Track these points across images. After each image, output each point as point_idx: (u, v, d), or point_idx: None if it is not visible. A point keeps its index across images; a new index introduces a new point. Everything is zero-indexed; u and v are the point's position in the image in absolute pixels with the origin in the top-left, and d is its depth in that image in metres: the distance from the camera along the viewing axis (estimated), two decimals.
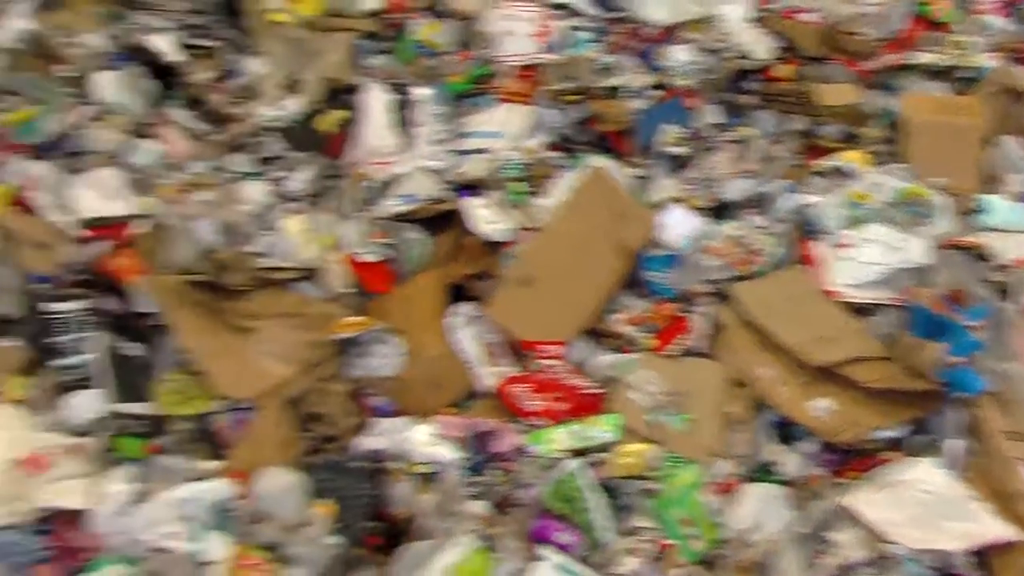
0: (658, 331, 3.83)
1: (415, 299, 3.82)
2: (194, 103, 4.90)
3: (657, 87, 4.59)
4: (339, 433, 3.54)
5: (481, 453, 3.44)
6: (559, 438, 3.49)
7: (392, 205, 4.13)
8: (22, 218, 3.93)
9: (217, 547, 3.15)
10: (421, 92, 4.60)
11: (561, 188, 4.18)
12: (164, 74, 5.01)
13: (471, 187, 4.24)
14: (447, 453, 3.40)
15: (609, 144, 4.46)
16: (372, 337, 3.69)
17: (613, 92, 4.57)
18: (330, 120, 4.59)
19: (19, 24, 5.07)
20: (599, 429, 3.54)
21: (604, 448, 3.51)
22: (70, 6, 5.31)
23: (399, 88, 4.67)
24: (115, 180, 4.18)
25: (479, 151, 4.37)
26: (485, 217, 4.04)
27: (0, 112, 4.37)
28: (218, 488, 3.26)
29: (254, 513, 3.26)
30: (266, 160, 4.53)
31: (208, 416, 3.58)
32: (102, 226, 3.95)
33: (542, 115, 4.55)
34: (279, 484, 3.29)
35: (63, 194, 4.09)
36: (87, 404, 3.49)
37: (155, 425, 3.58)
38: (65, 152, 4.34)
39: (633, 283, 3.98)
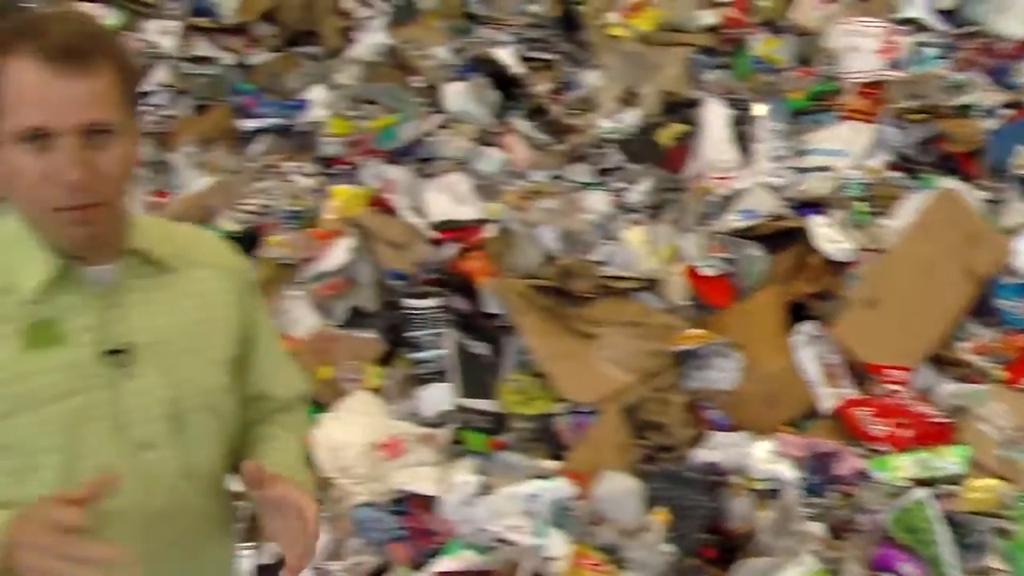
0: (1009, 362, 3.63)
1: (755, 315, 3.80)
2: (535, 114, 5.10)
3: (1010, 105, 4.38)
4: (675, 443, 3.56)
5: (820, 474, 3.37)
6: (904, 466, 3.37)
7: (732, 220, 4.12)
8: (380, 218, 4.18)
9: (558, 544, 3.23)
10: (760, 108, 4.57)
11: (907, 209, 4.04)
12: (507, 85, 5.24)
13: (813, 205, 4.17)
14: (786, 471, 3.34)
15: (956, 165, 4.27)
16: (712, 350, 3.69)
17: (963, 111, 4.39)
18: (668, 133, 4.64)
19: (376, 38, 5.45)
20: (947, 460, 3.38)
21: (952, 480, 3.35)
22: (420, 21, 5.65)
23: (737, 103, 4.67)
24: (464, 185, 4.40)
25: (821, 169, 4.30)
26: (828, 236, 3.96)
27: (361, 119, 4.66)
28: (559, 487, 3.35)
29: (593, 514, 3.33)
30: (605, 171, 4.64)
31: (549, 417, 3.68)
32: (452, 228, 4.15)
33: (884, 133, 4.43)
34: (618, 488, 3.34)
35: (417, 197, 4.34)
36: (438, 397, 3.68)
37: (498, 422, 3.72)
38: (418, 158, 4.61)
39: (982, 311, 3.79)
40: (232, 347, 1.57)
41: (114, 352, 1.42)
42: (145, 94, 4.83)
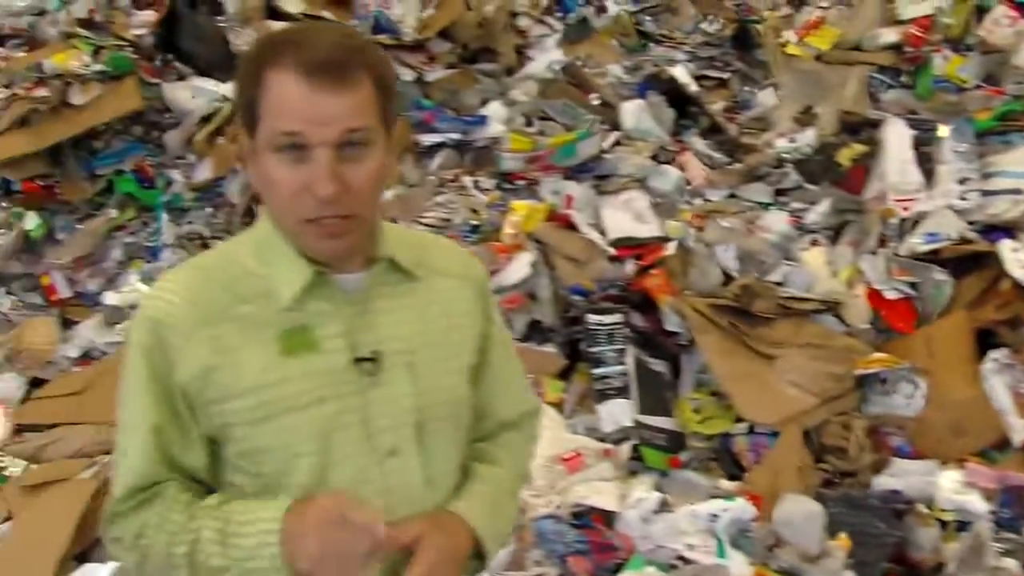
0: None
1: (941, 341, 3.73)
2: (711, 132, 5.11)
3: None
4: (857, 468, 3.52)
5: (1014, 508, 3.29)
6: None
7: (916, 243, 4.06)
8: (559, 233, 4.24)
9: (738, 565, 3.23)
10: (944, 128, 4.47)
11: None
12: (683, 103, 5.26)
13: (1001, 229, 4.07)
14: (976, 503, 3.28)
15: None
16: (895, 375, 3.64)
17: None
18: (847, 154, 4.59)
19: (551, 56, 5.54)
20: None
21: None
22: (595, 39, 5.73)
23: (919, 123, 4.59)
24: (642, 203, 4.43)
25: (1010, 192, 4.19)
26: (1020, 261, 3.86)
27: (539, 135, 4.75)
28: (740, 508, 3.35)
29: (773, 537, 3.32)
30: (783, 191, 4.62)
31: (728, 436, 3.68)
32: (631, 246, 4.19)
33: None
34: (799, 511, 3.32)
35: (595, 213, 4.39)
36: (618, 413, 3.72)
37: (677, 440, 3.74)
38: (596, 174, 4.66)
39: None
40: (472, 356, 1.58)
41: (363, 359, 1.43)
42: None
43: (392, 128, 1.41)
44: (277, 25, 5.16)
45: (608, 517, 3.40)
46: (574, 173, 4.67)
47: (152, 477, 1.42)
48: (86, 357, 4.37)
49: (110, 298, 4.50)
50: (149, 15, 4.94)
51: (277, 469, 1.41)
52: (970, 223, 4.14)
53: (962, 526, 3.28)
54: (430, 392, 1.48)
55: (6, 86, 4.75)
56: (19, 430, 3.77)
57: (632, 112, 4.97)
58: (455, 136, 4.91)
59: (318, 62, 1.30)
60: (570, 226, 4.26)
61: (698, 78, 5.58)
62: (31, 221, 4.72)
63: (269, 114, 1.32)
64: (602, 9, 5.96)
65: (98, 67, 4.67)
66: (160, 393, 1.40)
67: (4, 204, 4.76)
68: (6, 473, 3.41)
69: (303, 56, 1.30)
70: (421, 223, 4.47)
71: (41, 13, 5.03)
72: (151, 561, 1.42)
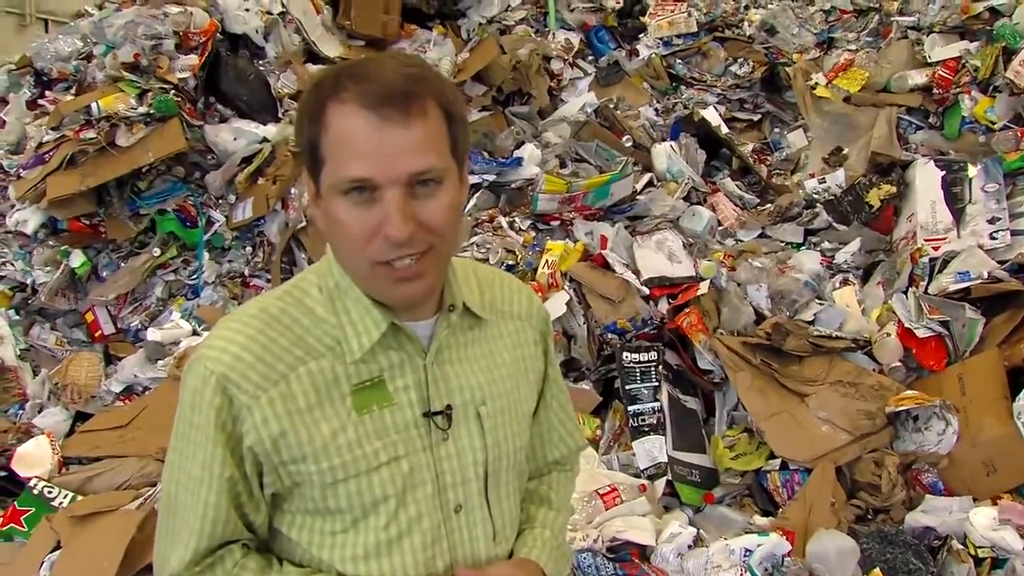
0: None
1: (972, 378, 3.75)
2: (742, 173, 5.18)
3: None
4: (889, 505, 3.55)
5: None
6: None
7: (946, 282, 4.10)
8: (594, 273, 4.30)
9: None
10: (972, 168, 4.52)
11: None
12: (714, 145, 5.34)
13: None
14: (1011, 540, 3.29)
15: None
16: (927, 413, 3.67)
17: None
18: (877, 194, 4.64)
19: (584, 98, 5.64)
20: None
21: None
22: (627, 82, 5.82)
23: (948, 164, 4.64)
24: (674, 243, 4.50)
25: None
26: None
27: (574, 177, 4.82)
28: (774, 543, 3.37)
29: (807, 572, 3.34)
30: (814, 231, 4.68)
31: (761, 473, 3.72)
32: (665, 285, 4.25)
33: None
34: (833, 547, 3.34)
35: (629, 253, 4.46)
36: (653, 449, 3.76)
37: (711, 476, 3.79)
38: (629, 215, 4.74)
39: None
40: (535, 399, 1.55)
41: (434, 414, 1.37)
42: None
43: (464, 158, 1.33)
44: (315, 69, 5.29)
45: (644, 551, 3.43)
46: (608, 214, 4.74)
47: (219, 539, 1.35)
48: (129, 392, 4.46)
49: (152, 334, 4.59)
50: (192, 59, 5.07)
51: (346, 528, 1.36)
52: (1000, 262, 4.18)
53: (997, 563, 3.29)
54: (498, 444, 1.43)
55: (55, 128, 4.89)
56: (65, 462, 3.85)
57: (664, 154, 5.06)
58: (490, 177, 4.98)
59: (382, 95, 1.21)
60: (604, 266, 4.33)
61: (729, 120, 5.68)
62: (77, 259, 4.84)
63: (333, 156, 1.23)
64: (634, 52, 6.07)
65: (143, 109, 4.79)
66: (229, 453, 1.32)
67: (51, 242, 4.90)
68: (55, 503, 3.49)
69: (365, 88, 1.21)
70: None
71: (88, 58, 5.16)
72: None
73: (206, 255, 4.95)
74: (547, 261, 4.30)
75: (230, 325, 1.35)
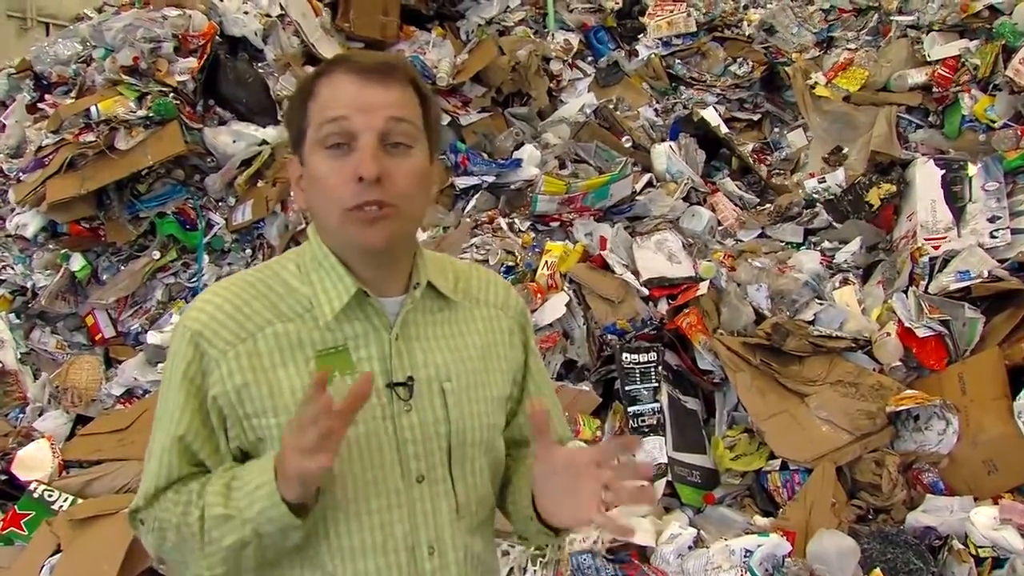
0: None
1: (973, 377, 3.74)
2: (742, 173, 5.17)
3: None
4: (890, 505, 3.54)
5: None
6: None
7: (946, 281, 4.09)
8: (594, 274, 4.30)
9: None
10: (973, 167, 4.52)
11: None
12: (713, 145, 5.34)
13: None
14: (1012, 539, 3.28)
15: None
16: (927, 412, 3.67)
17: None
18: (877, 193, 4.64)
19: (583, 99, 5.64)
20: None
21: None
22: (626, 83, 5.82)
23: (948, 163, 4.63)
24: (674, 244, 4.49)
25: None
26: None
27: (573, 178, 4.82)
28: (774, 543, 3.37)
29: (807, 572, 3.34)
30: (814, 231, 4.67)
31: (762, 473, 3.71)
32: (664, 286, 4.25)
33: None
34: (834, 547, 3.34)
35: (628, 254, 4.45)
36: (653, 450, 3.75)
37: (711, 476, 3.78)
38: (629, 216, 4.73)
39: None
40: (507, 387, 1.57)
41: (397, 384, 1.42)
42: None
43: (434, 142, 1.45)
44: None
45: (644, 552, 3.43)
46: (607, 214, 4.74)
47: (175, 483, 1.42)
48: (129, 395, 4.46)
49: (152, 337, 4.59)
50: (191, 62, 5.07)
51: None
52: (1000, 261, 4.17)
53: (998, 563, 3.28)
54: (462, 420, 1.46)
55: (55, 132, 4.89)
56: (65, 466, 3.85)
57: (663, 154, 5.05)
58: (489, 179, 4.99)
59: (367, 66, 1.38)
60: (604, 267, 4.33)
61: (728, 120, 5.68)
62: (77, 262, 4.85)
63: (317, 113, 1.37)
64: (633, 53, 6.06)
65: (142, 113, 4.79)
66: (192, 403, 1.40)
67: (51, 246, 4.90)
68: (55, 507, 3.49)
69: (352, 64, 1.39)
70: None
71: (87, 61, 5.17)
72: (169, 536, 1.41)
73: (206, 258, 4.95)
74: (546, 262, 4.30)
75: (211, 289, 1.48)
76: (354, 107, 1.35)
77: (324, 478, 1.34)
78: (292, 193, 4.51)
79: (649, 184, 4.92)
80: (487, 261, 4.48)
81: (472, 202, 4.90)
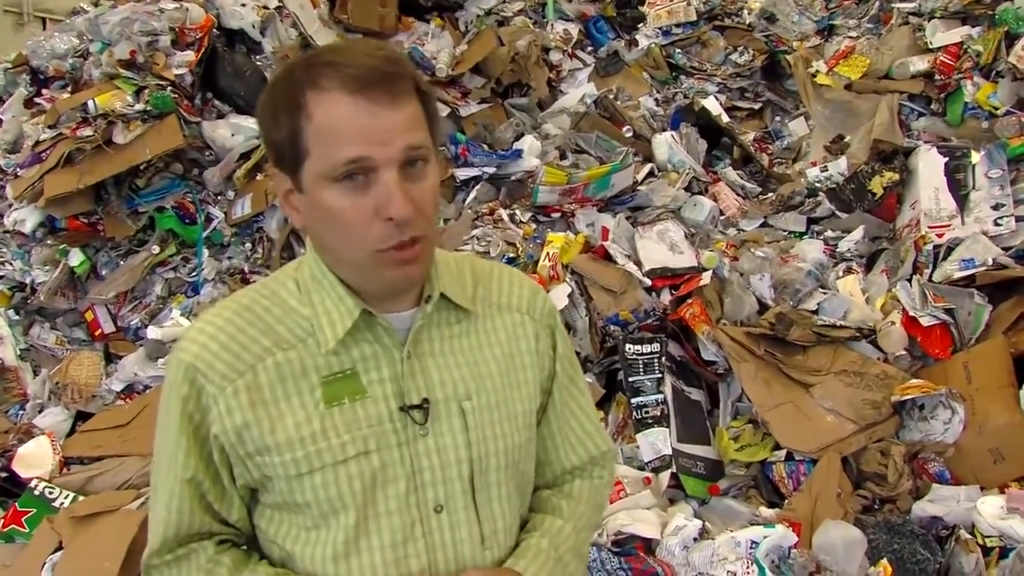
0: None
1: (978, 366, 3.72)
2: (743, 162, 5.14)
3: None
4: (896, 495, 3.52)
5: None
6: None
7: (950, 270, 4.07)
8: (596, 265, 4.28)
9: None
10: (976, 155, 4.49)
11: None
12: (714, 134, 5.31)
13: None
14: (1018, 529, 3.25)
15: None
16: (933, 401, 3.64)
17: None
18: (880, 182, 4.61)
19: (583, 89, 5.61)
20: None
21: None
22: (626, 72, 5.79)
23: (951, 151, 4.61)
24: (676, 234, 4.47)
25: None
26: None
27: (574, 169, 4.79)
28: (780, 534, 3.34)
29: (814, 563, 3.32)
30: (816, 220, 4.65)
31: (767, 464, 3.69)
32: (667, 276, 4.22)
33: None
34: (840, 538, 3.32)
35: (630, 244, 4.43)
36: (657, 441, 3.73)
37: (716, 468, 3.76)
38: (630, 206, 4.70)
39: None
40: (535, 398, 1.46)
41: (412, 407, 1.33)
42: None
43: (438, 140, 1.34)
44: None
45: (649, 544, 3.41)
46: (609, 205, 4.71)
47: (186, 529, 1.36)
48: (129, 390, 4.44)
49: (152, 332, 4.56)
50: (188, 55, 5.04)
51: (316, 523, 1.33)
52: (1005, 248, 4.14)
53: (1004, 552, 3.26)
54: (484, 442, 1.37)
55: (52, 126, 4.86)
56: (66, 462, 3.84)
57: (665, 144, 5.03)
58: (490, 170, 4.96)
59: (365, 78, 1.20)
60: (606, 257, 4.31)
61: (729, 109, 5.65)
62: (75, 257, 4.81)
63: (321, 144, 1.22)
64: (633, 42, 6.03)
65: (140, 107, 4.76)
66: (195, 443, 1.33)
67: (50, 241, 4.86)
68: (56, 504, 3.47)
69: (346, 72, 1.21)
70: None
71: (84, 55, 5.13)
72: None
73: (205, 252, 4.92)
74: (548, 253, 4.27)
75: (205, 316, 1.38)
76: (369, 142, 1.20)
77: (333, 509, 1.32)
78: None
79: (650, 174, 4.89)
80: (488, 253, 4.45)
81: (473, 193, 4.87)
